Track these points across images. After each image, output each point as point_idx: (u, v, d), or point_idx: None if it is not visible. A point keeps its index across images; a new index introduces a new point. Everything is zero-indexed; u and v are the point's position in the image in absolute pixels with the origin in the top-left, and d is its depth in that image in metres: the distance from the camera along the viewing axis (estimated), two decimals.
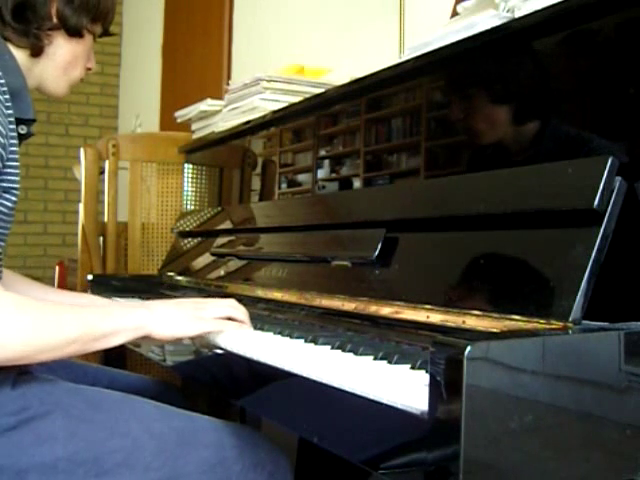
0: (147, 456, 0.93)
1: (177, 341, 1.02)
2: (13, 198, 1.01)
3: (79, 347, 0.91)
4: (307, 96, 1.48)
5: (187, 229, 1.88)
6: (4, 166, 0.98)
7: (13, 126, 1.00)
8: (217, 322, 1.01)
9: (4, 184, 0.99)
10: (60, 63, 1.14)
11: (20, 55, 1.09)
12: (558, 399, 0.60)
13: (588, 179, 0.74)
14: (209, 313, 1.01)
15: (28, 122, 1.07)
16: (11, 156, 0.99)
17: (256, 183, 1.69)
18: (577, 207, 0.74)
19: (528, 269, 0.79)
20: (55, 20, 1.10)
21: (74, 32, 1.12)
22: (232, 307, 1.04)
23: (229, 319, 1.03)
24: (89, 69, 1.22)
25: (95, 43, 1.20)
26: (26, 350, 0.87)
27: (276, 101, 1.65)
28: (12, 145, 0.99)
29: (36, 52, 1.10)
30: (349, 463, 0.71)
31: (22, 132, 1.06)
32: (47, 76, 1.14)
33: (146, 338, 0.98)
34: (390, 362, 0.77)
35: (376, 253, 1.00)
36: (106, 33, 1.22)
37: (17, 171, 1.01)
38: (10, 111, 0.99)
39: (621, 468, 0.64)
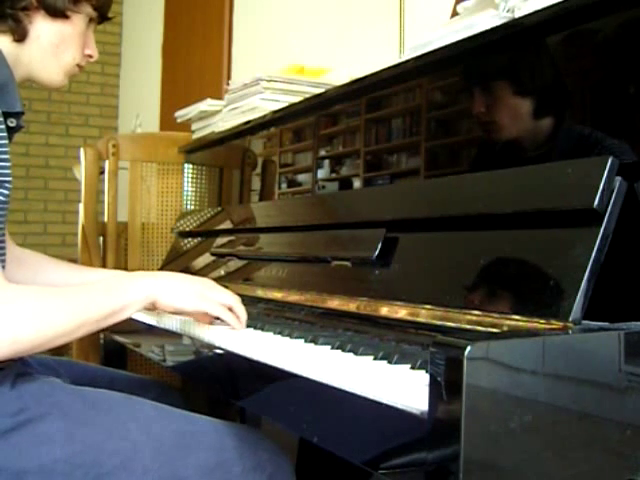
0: (146, 458, 0.93)
1: (178, 312, 1.04)
2: (6, 192, 1.01)
3: (91, 327, 0.93)
4: (307, 96, 1.48)
5: (187, 229, 1.88)
6: None
7: (1, 119, 0.98)
8: (219, 307, 1.02)
9: None
10: (47, 46, 1.09)
11: (5, 43, 1.06)
12: (558, 399, 0.60)
13: (588, 179, 0.74)
14: (214, 296, 1.03)
15: (16, 115, 1.05)
16: (2, 149, 0.98)
17: (256, 183, 1.69)
18: (577, 207, 0.74)
19: (528, 269, 0.79)
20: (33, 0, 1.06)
21: (54, 12, 1.08)
22: (236, 301, 1.05)
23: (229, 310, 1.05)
24: (90, 56, 1.17)
25: (96, 36, 1.17)
26: (40, 338, 0.88)
27: (276, 101, 1.65)
28: (2, 139, 0.98)
29: (20, 36, 1.07)
30: (349, 463, 0.70)
31: (11, 125, 1.04)
32: (36, 62, 1.10)
33: (153, 305, 1.01)
34: (390, 362, 0.77)
35: (376, 253, 1.00)
36: (103, 17, 1.17)
37: (8, 164, 1.00)
38: None
39: (621, 468, 0.64)
